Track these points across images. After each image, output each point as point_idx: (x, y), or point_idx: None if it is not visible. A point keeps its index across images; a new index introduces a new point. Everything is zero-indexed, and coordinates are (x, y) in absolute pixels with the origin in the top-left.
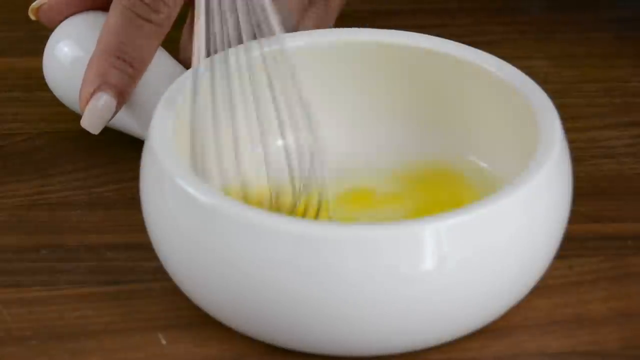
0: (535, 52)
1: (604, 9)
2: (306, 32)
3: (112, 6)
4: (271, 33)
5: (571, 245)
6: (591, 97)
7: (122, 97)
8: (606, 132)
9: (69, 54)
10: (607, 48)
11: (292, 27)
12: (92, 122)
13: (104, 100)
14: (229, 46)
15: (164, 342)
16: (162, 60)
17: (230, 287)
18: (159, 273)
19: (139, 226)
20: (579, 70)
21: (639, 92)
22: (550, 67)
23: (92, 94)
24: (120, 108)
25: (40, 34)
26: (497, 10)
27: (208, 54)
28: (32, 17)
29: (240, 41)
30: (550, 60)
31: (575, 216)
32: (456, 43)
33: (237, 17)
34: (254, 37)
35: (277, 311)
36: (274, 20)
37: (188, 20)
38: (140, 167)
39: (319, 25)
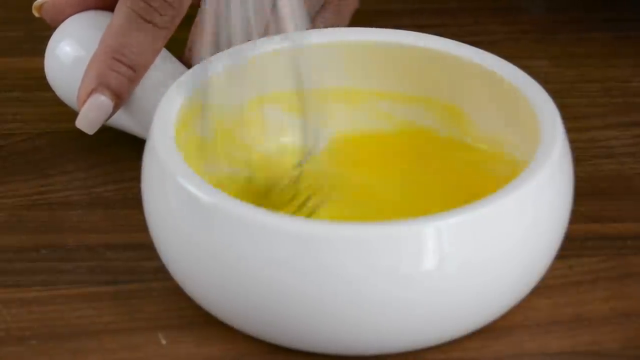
0: (536, 52)
1: (604, 9)
2: (306, 31)
3: (117, 6)
4: (282, 30)
5: (571, 245)
6: (591, 97)
7: (120, 99)
8: (606, 132)
9: (71, 53)
10: (607, 48)
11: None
12: (87, 123)
13: (100, 102)
14: (238, 40)
15: (164, 342)
16: (163, 59)
17: (232, 286)
18: (160, 273)
19: (139, 226)
20: (579, 70)
21: (639, 92)
22: (551, 67)
23: (89, 95)
24: (117, 110)
25: (40, 34)
26: (497, 10)
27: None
28: (36, 14)
29: (248, 36)
30: (550, 60)
31: (575, 216)
32: (457, 42)
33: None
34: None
35: (278, 310)
36: (288, 18)
37: (196, 20)
38: (142, 167)
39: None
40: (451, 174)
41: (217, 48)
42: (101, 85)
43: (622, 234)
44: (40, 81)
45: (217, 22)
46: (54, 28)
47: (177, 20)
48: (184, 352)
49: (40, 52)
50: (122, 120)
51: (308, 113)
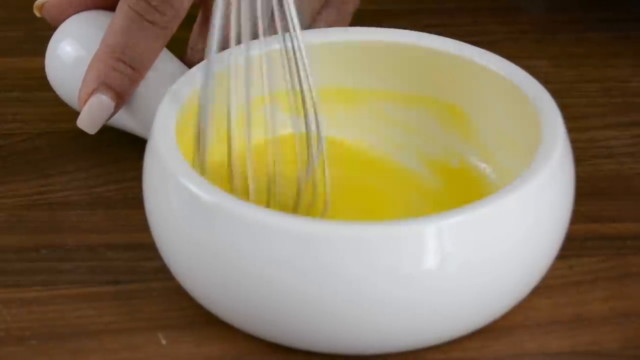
0: (536, 52)
1: (603, 9)
2: (307, 30)
3: (118, 6)
4: (287, 29)
5: (571, 245)
6: (591, 97)
7: (121, 99)
8: (606, 132)
9: (72, 53)
10: (606, 48)
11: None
12: (88, 122)
13: (102, 102)
14: (242, 40)
15: (164, 342)
16: (164, 59)
17: (233, 285)
18: (160, 273)
19: (139, 226)
20: (578, 70)
21: (638, 92)
22: (550, 67)
23: (90, 95)
24: (118, 109)
25: (40, 34)
26: (497, 10)
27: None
28: (37, 14)
29: (254, 36)
30: (550, 60)
31: (575, 216)
32: (458, 42)
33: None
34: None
35: (279, 309)
36: (293, 17)
37: (198, 20)
38: (143, 166)
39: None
40: (452, 174)
41: (225, 46)
42: (103, 85)
43: (621, 234)
44: (40, 81)
45: (226, 20)
46: (54, 28)
47: (178, 20)
48: (184, 352)
49: (41, 52)
50: (123, 120)
51: (308, 115)
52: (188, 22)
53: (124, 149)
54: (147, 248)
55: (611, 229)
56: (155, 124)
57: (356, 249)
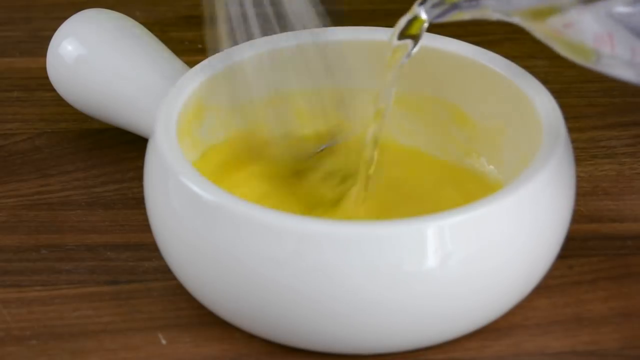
0: (536, 52)
1: None
2: (308, 30)
3: None
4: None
5: (571, 245)
6: (591, 97)
7: None
8: (606, 132)
9: (73, 52)
10: None
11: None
12: None
13: None
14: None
15: (164, 342)
16: (165, 58)
17: (233, 284)
18: (159, 273)
19: (139, 226)
20: (579, 70)
21: (638, 92)
22: (551, 67)
23: None
24: None
25: (40, 34)
26: None
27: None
28: None
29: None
30: (550, 60)
31: (575, 216)
32: (459, 42)
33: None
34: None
35: (279, 308)
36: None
37: None
38: (144, 166)
39: None
40: (452, 173)
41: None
42: None
43: (622, 234)
44: (40, 81)
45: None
46: (53, 29)
47: None
48: (184, 352)
49: (41, 52)
50: (123, 119)
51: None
52: (188, 22)
53: (124, 149)
54: (147, 248)
55: (611, 229)
56: (156, 123)
57: (356, 249)
